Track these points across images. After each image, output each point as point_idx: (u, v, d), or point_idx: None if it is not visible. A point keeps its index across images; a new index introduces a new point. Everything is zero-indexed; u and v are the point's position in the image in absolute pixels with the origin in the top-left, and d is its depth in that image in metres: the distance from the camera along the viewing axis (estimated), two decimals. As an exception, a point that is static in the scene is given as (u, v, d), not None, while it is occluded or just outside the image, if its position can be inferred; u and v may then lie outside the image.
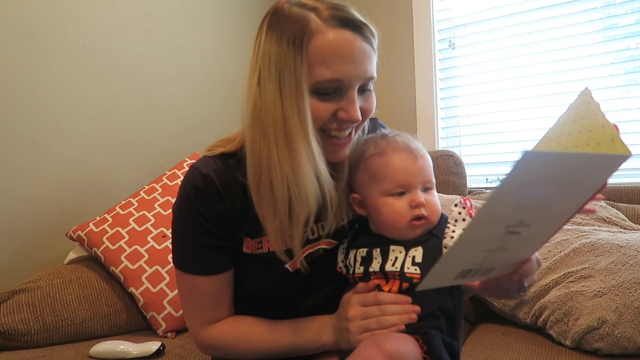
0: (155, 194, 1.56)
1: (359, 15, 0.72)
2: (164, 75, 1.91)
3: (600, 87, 1.81)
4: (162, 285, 1.37)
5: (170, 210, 1.48)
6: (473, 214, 0.74)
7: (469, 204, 0.75)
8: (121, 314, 1.38)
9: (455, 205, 0.76)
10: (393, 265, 0.75)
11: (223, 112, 2.06)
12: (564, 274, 1.22)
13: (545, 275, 1.25)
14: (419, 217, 0.76)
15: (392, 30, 2.18)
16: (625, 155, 0.48)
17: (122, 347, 1.19)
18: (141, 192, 1.58)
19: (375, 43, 0.74)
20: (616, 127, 0.57)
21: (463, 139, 2.14)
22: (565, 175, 0.48)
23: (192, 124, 2.00)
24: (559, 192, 0.51)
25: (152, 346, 1.19)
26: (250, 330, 0.83)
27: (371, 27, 0.73)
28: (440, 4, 2.13)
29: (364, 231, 0.83)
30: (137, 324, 1.40)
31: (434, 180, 0.79)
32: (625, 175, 1.78)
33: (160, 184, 1.61)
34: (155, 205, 1.53)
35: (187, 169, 1.63)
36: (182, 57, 1.97)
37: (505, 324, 1.32)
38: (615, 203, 1.52)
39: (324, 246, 0.84)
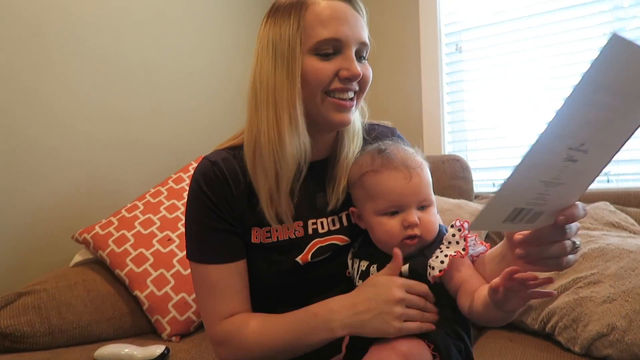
0: (161, 197, 1.57)
1: None
2: (171, 79, 1.91)
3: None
4: (167, 288, 1.37)
5: (176, 214, 1.51)
6: (467, 237, 0.73)
7: (466, 226, 0.73)
8: (126, 317, 1.38)
9: (452, 226, 0.75)
10: None
11: (230, 115, 2.07)
12: (573, 280, 1.20)
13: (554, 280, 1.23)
14: (412, 237, 0.75)
15: (399, 33, 2.18)
16: None
17: (126, 350, 1.19)
18: (147, 195, 1.58)
19: (365, 18, 0.82)
20: None
21: (470, 143, 2.12)
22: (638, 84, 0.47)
23: (199, 127, 2.00)
24: (624, 107, 0.49)
25: (157, 350, 1.18)
26: (254, 324, 0.80)
27: (361, 3, 0.81)
28: (447, 8, 2.13)
29: (367, 242, 0.82)
30: (142, 327, 1.39)
31: (431, 197, 0.78)
32: (635, 180, 1.76)
33: (166, 187, 1.61)
34: (161, 208, 1.53)
35: (193, 172, 1.66)
36: (189, 61, 1.98)
37: (512, 330, 1.31)
38: (625, 207, 1.50)
39: (335, 242, 0.84)
